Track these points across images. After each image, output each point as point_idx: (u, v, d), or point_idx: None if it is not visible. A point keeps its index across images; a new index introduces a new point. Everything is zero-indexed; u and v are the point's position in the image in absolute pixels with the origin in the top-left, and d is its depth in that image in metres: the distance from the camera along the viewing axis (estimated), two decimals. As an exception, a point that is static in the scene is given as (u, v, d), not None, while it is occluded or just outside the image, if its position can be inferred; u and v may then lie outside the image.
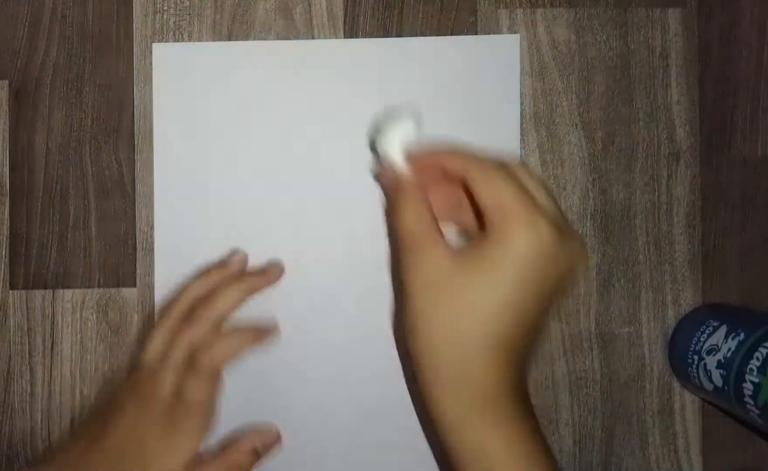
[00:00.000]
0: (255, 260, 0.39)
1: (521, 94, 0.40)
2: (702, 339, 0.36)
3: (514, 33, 0.40)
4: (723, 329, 0.35)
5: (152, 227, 0.39)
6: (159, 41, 0.39)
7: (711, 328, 0.36)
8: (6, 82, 0.39)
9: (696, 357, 0.37)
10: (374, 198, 0.39)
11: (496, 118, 0.40)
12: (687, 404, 0.40)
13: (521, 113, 0.40)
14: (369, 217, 0.39)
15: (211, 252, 0.39)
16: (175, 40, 0.39)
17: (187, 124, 0.39)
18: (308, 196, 0.39)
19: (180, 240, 0.39)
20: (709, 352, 0.36)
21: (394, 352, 0.39)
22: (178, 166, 0.39)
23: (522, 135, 0.40)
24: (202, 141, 0.39)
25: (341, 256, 0.39)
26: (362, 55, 0.39)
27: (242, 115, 0.39)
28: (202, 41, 0.39)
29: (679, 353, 0.38)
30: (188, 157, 0.39)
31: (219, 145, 0.39)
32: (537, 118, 0.40)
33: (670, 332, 0.40)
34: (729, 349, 0.34)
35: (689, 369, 0.37)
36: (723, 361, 0.34)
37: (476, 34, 0.40)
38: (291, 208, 0.39)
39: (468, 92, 0.40)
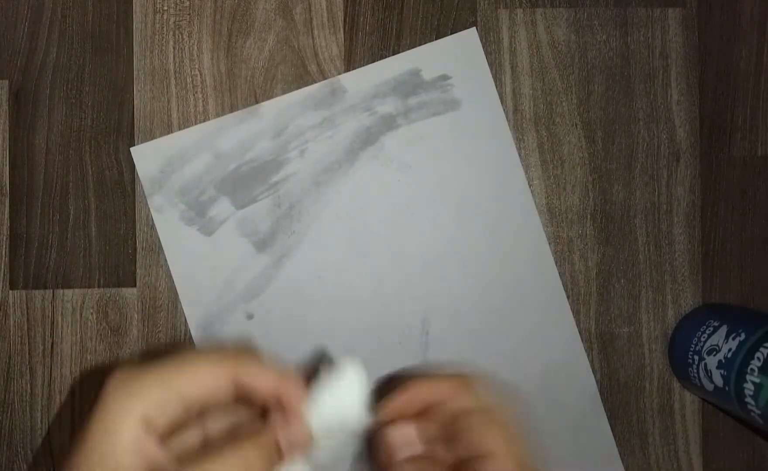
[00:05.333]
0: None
1: (521, 94, 0.40)
2: (702, 339, 0.36)
3: (471, 28, 0.40)
4: (723, 329, 0.35)
5: (152, 227, 0.39)
6: (159, 41, 0.39)
7: (711, 328, 0.36)
8: (6, 82, 0.39)
9: (696, 357, 0.37)
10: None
11: (482, 121, 0.40)
12: (687, 404, 0.40)
13: (522, 113, 0.40)
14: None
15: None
16: (175, 41, 0.39)
17: (185, 210, 0.39)
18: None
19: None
20: (709, 352, 0.36)
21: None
22: (190, 252, 0.39)
23: (522, 135, 0.40)
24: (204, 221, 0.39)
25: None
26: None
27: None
28: (178, 133, 0.40)
29: (679, 353, 0.38)
30: (195, 238, 0.39)
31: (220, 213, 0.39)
32: (537, 118, 0.40)
33: (670, 332, 0.40)
34: (730, 350, 0.34)
35: (689, 369, 0.37)
36: (724, 361, 0.34)
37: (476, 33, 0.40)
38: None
39: (447, 102, 0.40)
